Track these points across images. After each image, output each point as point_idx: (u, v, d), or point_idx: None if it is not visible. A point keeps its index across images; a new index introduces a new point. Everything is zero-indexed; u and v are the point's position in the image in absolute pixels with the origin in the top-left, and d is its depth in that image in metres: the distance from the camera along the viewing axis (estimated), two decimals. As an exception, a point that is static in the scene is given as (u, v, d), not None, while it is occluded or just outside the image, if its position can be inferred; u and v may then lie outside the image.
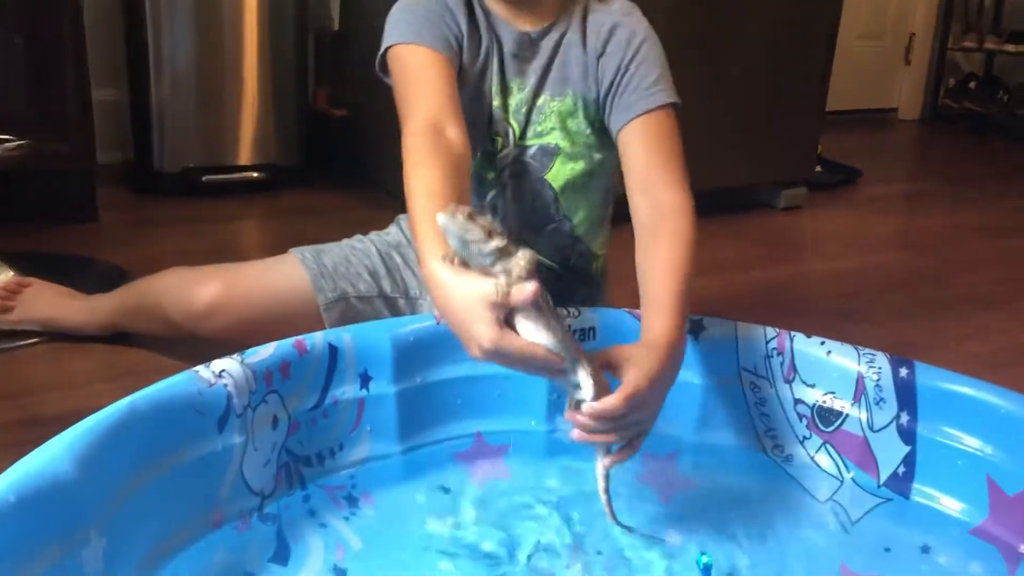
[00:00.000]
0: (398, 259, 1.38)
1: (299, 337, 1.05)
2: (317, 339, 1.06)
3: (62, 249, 1.95)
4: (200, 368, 0.96)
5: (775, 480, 1.10)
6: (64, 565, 0.76)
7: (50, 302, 1.53)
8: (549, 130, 1.25)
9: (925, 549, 0.99)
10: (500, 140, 1.25)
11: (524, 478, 1.08)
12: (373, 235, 1.42)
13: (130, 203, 2.38)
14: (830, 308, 1.88)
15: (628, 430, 0.92)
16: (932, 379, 1.07)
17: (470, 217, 0.80)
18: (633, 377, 0.89)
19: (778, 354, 1.15)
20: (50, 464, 0.78)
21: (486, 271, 0.82)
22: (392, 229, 1.42)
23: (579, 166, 1.26)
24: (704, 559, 0.90)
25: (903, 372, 1.08)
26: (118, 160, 2.49)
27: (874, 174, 3.14)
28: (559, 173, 1.27)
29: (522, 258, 0.81)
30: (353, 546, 0.96)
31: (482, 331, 0.82)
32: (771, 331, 1.16)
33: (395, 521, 1.01)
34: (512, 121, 1.25)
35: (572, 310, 1.18)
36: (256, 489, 0.99)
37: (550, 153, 1.26)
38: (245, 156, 2.48)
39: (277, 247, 1.40)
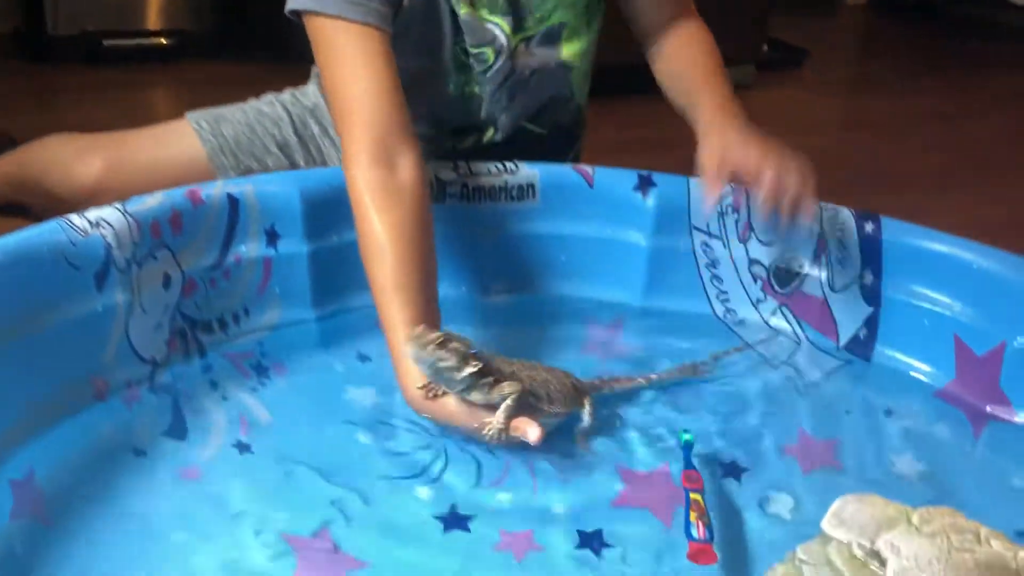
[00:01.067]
0: (314, 127, 1.22)
1: (193, 186, 0.92)
2: (215, 189, 0.93)
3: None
4: (73, 216, 0.82)
5: (727, 345, 1.01)
6: None
7: None
8: (552, 9, 1.06)
9: (888, 412, 0.91)
10: (488, 51, 1.05)
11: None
12: (287, 96, 1.25)
13: (22, 72, 2.16)
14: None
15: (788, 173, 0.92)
16: (899, 235, 0.98)
17: (441, 344, 0.76)
18: (706, 149, 0.94)
19: (733, 211, 1.05)
20: None
21: (466, 401, 0.79)
22: (310, 88, 1.25)
23: (584, 38, 1.10)
24: (686, 436, 0.81)
25: (868, 227, 0.99)
26: (7, 29, 2.25)
27: (822, 57, 3.03)
28: (568, 52, 1.10)
29: (509, 392, 0.78)
30: (261, 419, 0.85)
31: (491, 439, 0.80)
32: (727, 188, 1.05)
33: (309, 392, 0.90)
34: (496, 19, 1.04)
35: (510, 165, 1.06)
36: (146, 356, 0.86)
37: (555, 36, 1.08)
38: (152, 19, 2.26)
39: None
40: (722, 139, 0.95)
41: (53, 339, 0.78)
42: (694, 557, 0.66)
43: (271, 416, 0.86)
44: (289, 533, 0.71)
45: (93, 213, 0.83)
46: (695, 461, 0.78)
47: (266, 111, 1.22)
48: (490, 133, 1.12)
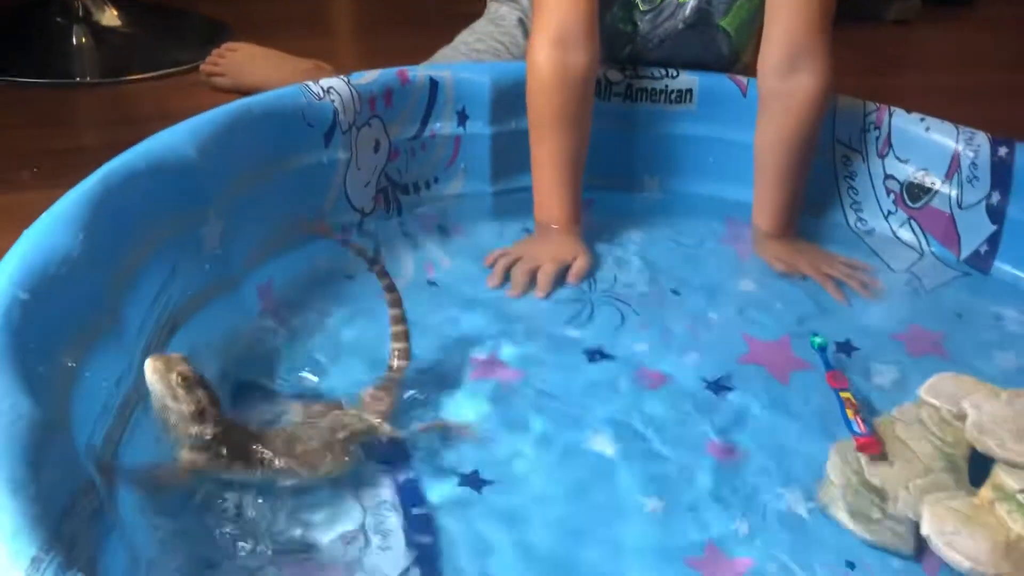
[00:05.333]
0: (523, 40, 1.26)
1: (401, 68, 1.08)
2: (419, 72, 1.09)
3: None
4: (310, 83, 1.00)
5: (853, 250, 1.11)
6: (185, 237, 0.83)
7: (259, 70, 1.48)
8: None
9: (998, 317, 1.00)
10: None
11: (609, 221, 1.12)
12: (488, 27, 1.29)
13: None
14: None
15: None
16: (1033, 160, 1.05)
17: (188, 385, 0.64)
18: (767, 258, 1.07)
19: (875, 128, 1.13)
20: (173, 143, 0.84)
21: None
22: (502, 9, 1.30)
23: (750, 12, 1.14)
24: (818, 340, 0.91)
25: (1002, 151, 1.06)
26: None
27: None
28: (735, 16, 1.15)
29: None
30: (442, 265, 1.02)
31: None
32: (871, 105, 1.14)
33: (482, 251, 1.05)
34: None
35: (671, 71, 1.17)
36: (357, 206, 1.05)
37: (728, 4, 1.14)
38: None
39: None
40: (774, 250, 1.07)
41: (291, 181, 0.97)
42: (863, 449, 0.75)
43: (451, 263, 1.03)
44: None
45: (325, 82, 1.00)
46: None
47: (482, 48, 1.28)
48: None
